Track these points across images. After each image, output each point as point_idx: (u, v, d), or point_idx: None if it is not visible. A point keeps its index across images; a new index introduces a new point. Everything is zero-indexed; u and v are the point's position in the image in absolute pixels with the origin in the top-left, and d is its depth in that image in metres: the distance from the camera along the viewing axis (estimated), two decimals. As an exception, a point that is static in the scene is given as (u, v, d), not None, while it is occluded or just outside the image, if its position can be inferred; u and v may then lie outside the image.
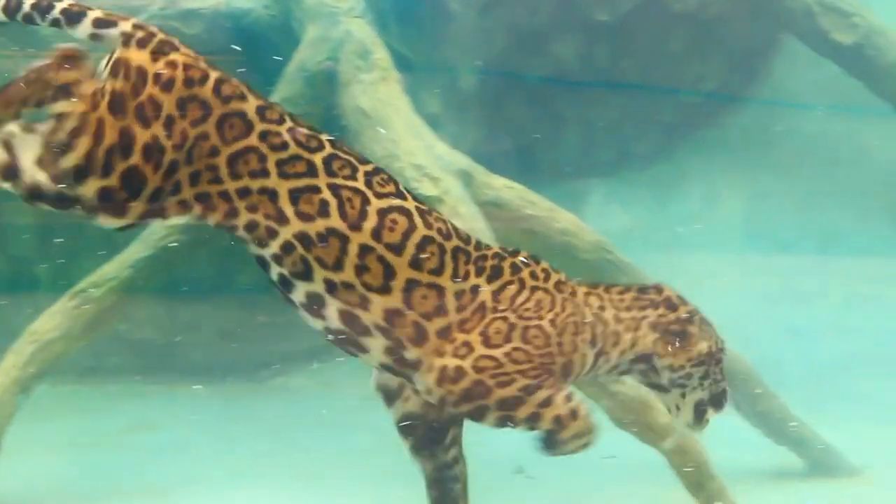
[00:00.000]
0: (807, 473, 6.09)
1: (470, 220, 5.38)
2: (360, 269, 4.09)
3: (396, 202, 4.14)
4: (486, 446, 6.27)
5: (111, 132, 3.87)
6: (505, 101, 8.20)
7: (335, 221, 4.04)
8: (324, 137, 4.10)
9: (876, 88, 8.15)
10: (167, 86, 3.96)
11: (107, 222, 3.90)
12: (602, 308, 4.57)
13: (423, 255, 4.17)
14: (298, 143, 4.05)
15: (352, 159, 4.14)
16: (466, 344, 4.28)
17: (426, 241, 4.15)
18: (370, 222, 4.08)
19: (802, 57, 8.47)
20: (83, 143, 3.83)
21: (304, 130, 4.05)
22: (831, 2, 8.22)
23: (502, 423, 4.48)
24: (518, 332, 4.45)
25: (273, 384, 7.52)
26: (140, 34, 3.99)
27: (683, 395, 4.87)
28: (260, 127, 4.01)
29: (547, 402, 4.49)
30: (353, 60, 6.23)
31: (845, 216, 8.17)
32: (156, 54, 3.99)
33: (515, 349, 4.44)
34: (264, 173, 4.01)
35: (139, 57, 3.97)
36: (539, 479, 5.92)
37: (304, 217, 4.02)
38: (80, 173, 3.83)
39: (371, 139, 5.78)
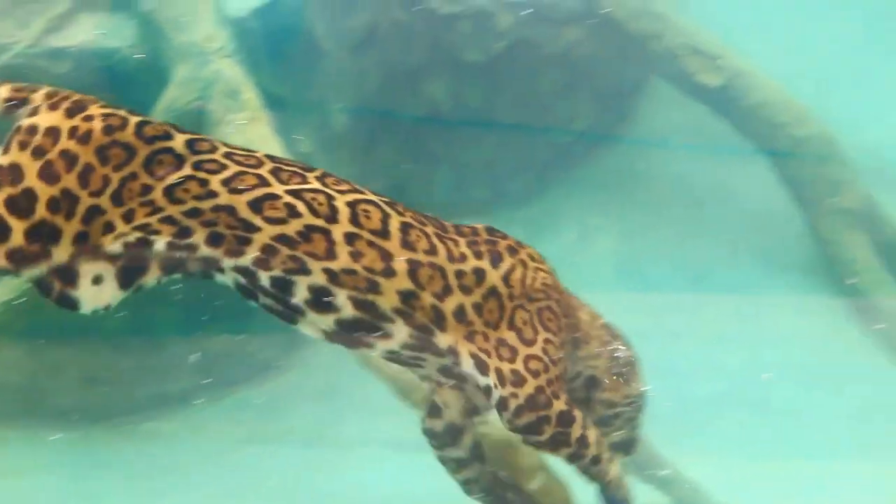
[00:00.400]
0: (674, 513, 6.15)
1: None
2: (356, 255, 4.03)
3: (360, 196, 4.10)
4: (360, 486, 6.30)
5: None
6: (377, 141, 8.20)
7: (310, 219, 3.98)
8: (261, 154, 4.07)
9: (741, 129, 8.32)
10: (83, 138, 3.93)
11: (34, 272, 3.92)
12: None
13: (409, 238, 4.12)
14: (238, 163, 4.00)
15: (297, 169, 4.09)
16: (502, 342, 4.26)
17: (407, 226, 4.12)
18: (344, 214, 4.03)
19: (670, 97, 8.62)
20: None
21: (241, 151, 4.03)
22: (697, 44, 8.38)
23: (557, 440, 4.39)
24: (538, 320, 4.38)
25: (143, 429, 7.39)
26: (52, 100, 3.99)
27: (604, 435, 4.93)
28: (192, 159, 3.96)
29: (569, 420, 4.41)
30: (222, 101, 6.21)
31: (714, 255, 8.28)
32: (70, 111, 3.97)
33: (546, 341, 4.39)
34: (212, 195, 3.94)
35: (51, 119, 3.96)
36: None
37: (275, 221, 3.96)
38: None
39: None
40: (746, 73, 8.36)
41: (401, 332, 4.13)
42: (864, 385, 7.46)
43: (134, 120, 3.97)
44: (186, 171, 3.94)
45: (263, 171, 4.02)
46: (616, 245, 8.13)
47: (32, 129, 3.97)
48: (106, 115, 3.96)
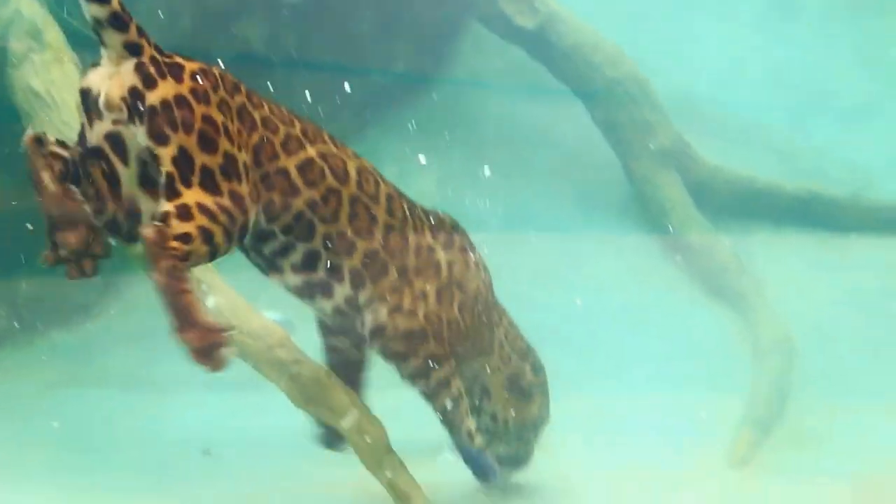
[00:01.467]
0: (489, 445, 6.23)
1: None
2: (352, 217, 4.58)
3: (365, 162, 4.74)
4: (175, 427, 6.26)
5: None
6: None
7: (332, 182, 4.54)
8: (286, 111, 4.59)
9: (557, 71, 8.43)
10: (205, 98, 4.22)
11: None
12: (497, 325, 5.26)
13: (393, 206, 4.73)
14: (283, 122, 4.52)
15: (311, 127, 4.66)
16: (424, 294, 4.79)
17: (391, 196, 4.73)
18: (353, 177, 4.61)
19: (488, 40, 8.68)
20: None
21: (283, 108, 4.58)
22: (513, -12, 8.45)
23: (414, 377, 4.96)
24: (458, 302, 4.95)
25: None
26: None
27: (488, 443, 5.15)
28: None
29: (453, 375, 5.00)
30: (24, 40, 6.07)
31: (532, 195, 8.39)
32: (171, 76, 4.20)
33: (450, 321, 4.93)
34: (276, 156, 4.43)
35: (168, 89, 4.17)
36: (226, 459, 5.91)
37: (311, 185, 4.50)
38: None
39: (44, 121, 5.64)
40: (561, 16, 8.46)
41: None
42: (677, 321, 7.65)
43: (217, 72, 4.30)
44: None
45: (296, 131, 4.53)
46: (436, 186, 8.17)
47: (167, 105, 4.09)
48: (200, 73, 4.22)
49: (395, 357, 4.90)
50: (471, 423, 5.14)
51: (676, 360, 7.19)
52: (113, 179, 4.19)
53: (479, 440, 5.17)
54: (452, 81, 8.74)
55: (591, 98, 8.41)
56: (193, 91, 4.13)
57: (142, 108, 4.06)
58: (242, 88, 4.39)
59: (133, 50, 4.12)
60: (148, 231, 3.99)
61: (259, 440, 6.02)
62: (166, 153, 4.08)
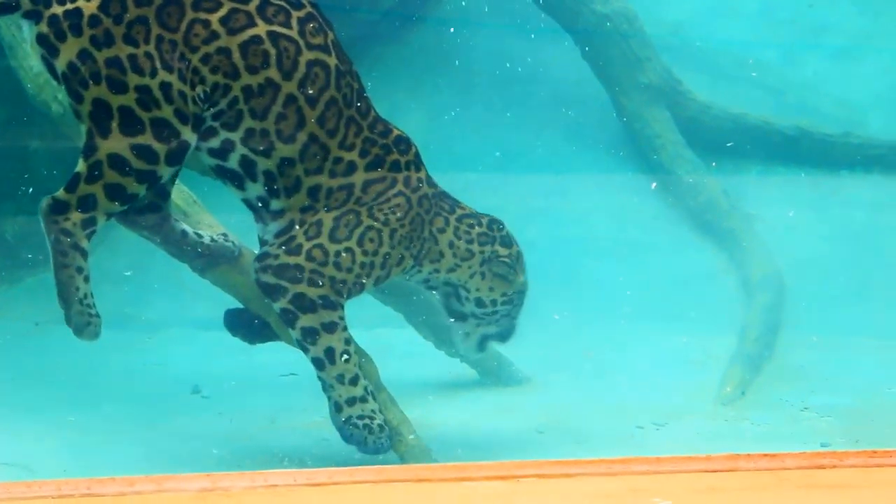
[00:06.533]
0: (478, 383, 6.25)
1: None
2: (280, 118, 4.42)
3: (322, 56, 4.53)
4: (164, 365, 6.26)
5: None
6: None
7: (273, 72, 4.41)
8: None
9: (545, 6, 8.35)
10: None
11: None
12: (442, 230, 4.92)
13: (328, 114, 4.52)
14: None
15: (283, 3, 4.50)
16: (318, 224, 4.58)
17: (332, 102, 4.52)
18: (299, 73, 4.45)
19: (476, -24, 8.61)
20: None
21: None
22: (499, -80, 8.37)
23: (285, 317, 4.74)
24: (359, 233, 4.60)
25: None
26: None
27: (477, 327, 5.09)
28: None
29: (331, 328, 4.62)
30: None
31: (522, 133, 8.35)
32: None
33: (347, 251, 4.55)
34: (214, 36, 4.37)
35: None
36: (215, 398, 5.91)
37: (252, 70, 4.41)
38: None
39: (28, 54, 5.53)
40: (548, -49, 8.38)
41: None
42: (666, 258, 7.65)
43: None
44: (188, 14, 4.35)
45: (251, 7, 4.44)
46: (424, 124, 8.14)
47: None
48: None
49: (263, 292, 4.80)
50: (343, 391, 4.87)
51: (666, 298, 7.20)
52: None
53: (347, 411, 4.89)
54: (440, 19, 8.66)
55: (580, 34, 8.33)
56: None
57: None
58: None
59: None
60: None
61: (248, 379, 6.01)
62: None
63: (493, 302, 5.20)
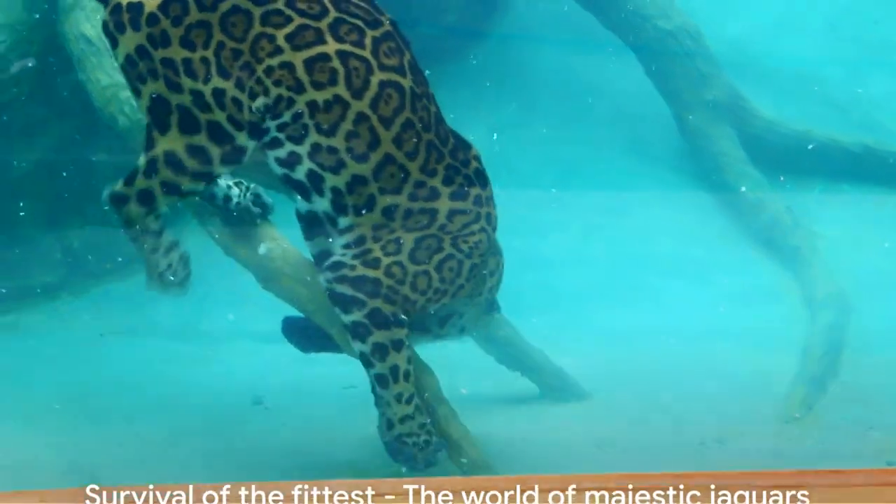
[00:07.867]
0: (539, 398, 6.22)
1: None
2: (350, 135, 4.39)
3: (395, 77, 4.47)
4: (225, 377, 6.29)
5: None
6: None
7: (341, 90, 4.36)
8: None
9: (608, 23, 8.33)
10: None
11: None
12: (492, 274, 4.98)
13: (405, 136, 4.45)
14: (300, 13, 4.37)
15: (359, 22, 4.45)
16: (397, 242, 4.53)
17: (408, 125, 4.46)
18: (371, 92, 4.40)
19: (539, -9, 8.62)
20: None
21: None
22: (563, -63, 8.36)
23: (356, 330, 4.69)
24: (438, 259, 4.56)
25: (5, 322, 7.29)
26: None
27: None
28: (258, 11, 4.36)
29: (398, 347, 4.61)
30: (74, -15, 6.07)
31: (582, 149, 8.33)
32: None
33: (425, 273, 4.53)
34: (279, 51, 4.35)
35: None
36: (277, 410, 5.93)
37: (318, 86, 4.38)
38: None
39: (95, 67, 5.64)
40: (613, -33, 8.37)
41: None
42: (729, 276, 7.59)
43: None
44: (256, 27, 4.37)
45: (322, 25, 4.42)
46: (486, 140, 8.14)
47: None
48: None
49: (336, 302, 4.74)
50: (398, 409, 4.81)
51: (729, 316, 7.13)
52: None
53: (399, 429, 4.84)
54: (503, 35, 8.66)
55: (643, 50, 8.30)
56: None
57: None
58: None
59: None
60: None
61: (309, 390, 6.03)
62: None
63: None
